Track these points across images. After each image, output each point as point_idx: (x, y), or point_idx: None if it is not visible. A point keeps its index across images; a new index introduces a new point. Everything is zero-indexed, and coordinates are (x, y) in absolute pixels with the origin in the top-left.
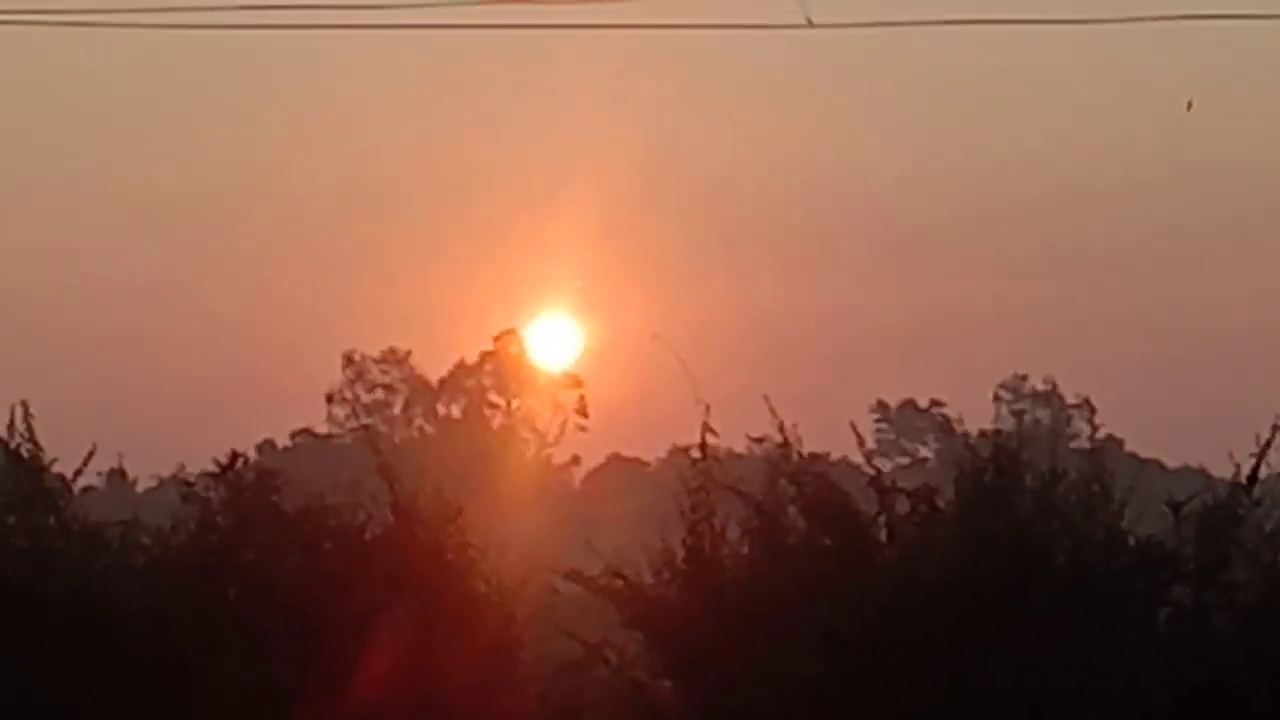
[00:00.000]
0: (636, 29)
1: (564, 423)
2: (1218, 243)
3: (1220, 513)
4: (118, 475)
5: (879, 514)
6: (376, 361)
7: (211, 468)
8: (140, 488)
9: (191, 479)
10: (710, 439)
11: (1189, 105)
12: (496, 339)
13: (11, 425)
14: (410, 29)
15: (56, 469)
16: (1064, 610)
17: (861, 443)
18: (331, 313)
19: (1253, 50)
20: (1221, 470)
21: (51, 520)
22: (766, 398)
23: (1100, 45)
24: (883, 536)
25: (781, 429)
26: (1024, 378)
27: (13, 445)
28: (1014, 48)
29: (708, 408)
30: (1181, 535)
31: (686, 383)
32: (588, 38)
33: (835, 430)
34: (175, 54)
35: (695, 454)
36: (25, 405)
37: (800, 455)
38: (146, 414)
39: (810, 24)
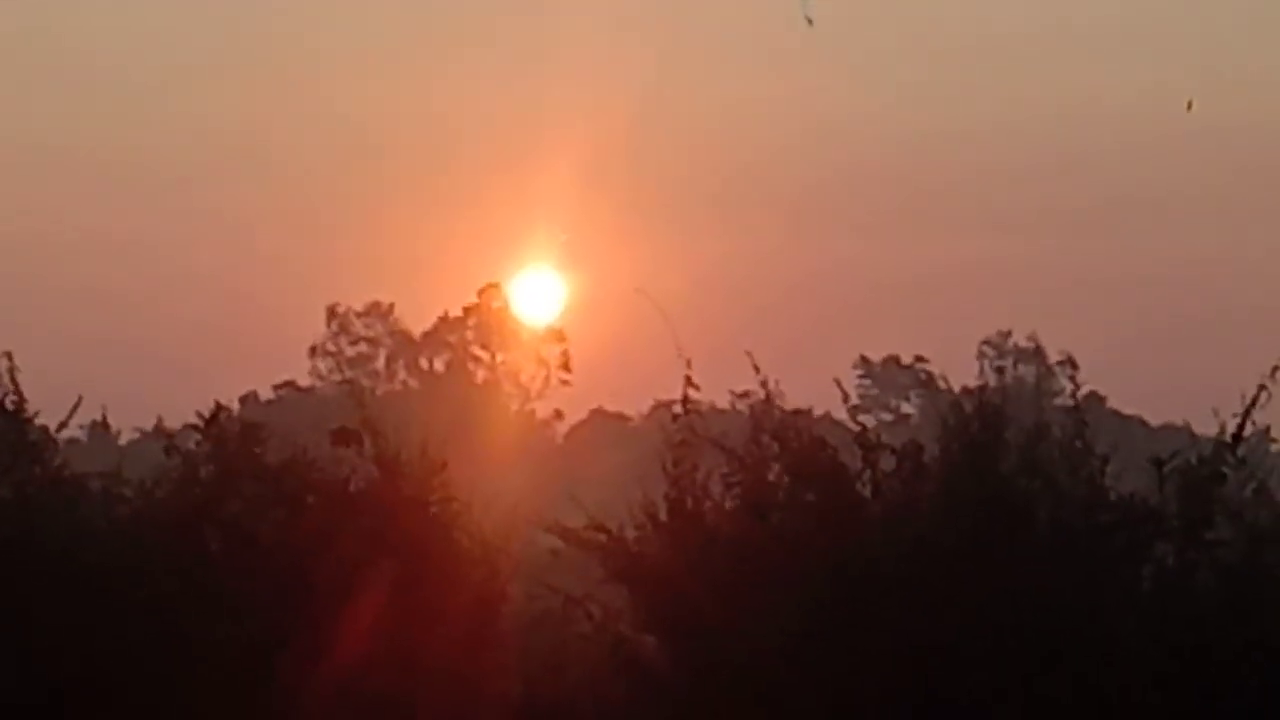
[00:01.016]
0: None
1: (547, 377)
2: (1207, 204)
3: (1204, 470)
4: (100, 428)
5: (863, 470)
6: (360, 315)
7: (194, 420)
8: (123, 440)
9: (174, 431)
10: (693, 394)
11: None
12: (480, 293)
13: (5, 376)
14: None
15: (40, 421)
16: (1046, 567)
17: (846, 398)
18: (314, 266)
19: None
20: (1205, 428)
21: (36, 471)
22: (749, 353)
23: (1097, 4)
24: (867, 492)
25: (764, 384)
26: (1007, 334)
27: None
28: (1008, 6)
29: (689, 361)
30: (1165, 493)
31: (670, 337)
32: None
33: (818, 386)
34: (157, 7)
35: (677, 409)
36: (10, 356)
37: (783, 410)
38: (129, 367)
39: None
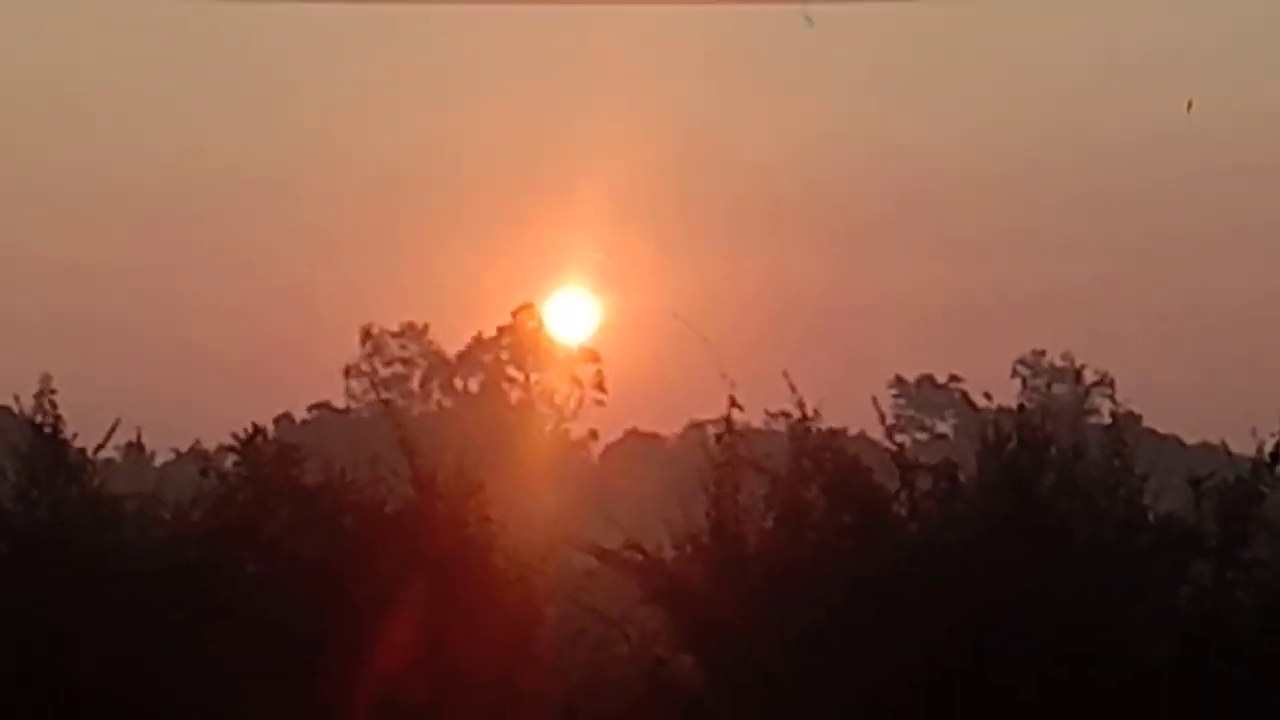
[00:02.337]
0: (658, 4)
1: (581, 397)
2: (1240, 220)
3: (1241, 489)
4: (135, 449)
5: (899, 490)
6: (394, 335)
7: (229, 441)
8: (158, 461)
9: (210, 453)
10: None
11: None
12: (514, 313)
13: (40, 398)
14: (432, 4)
15: (78, 443)
16: (1084, 586)
17: (882, 418)
18: (349, 287)
19: None
20: (1241, 447)
21: (74, 492)
22: (786, 373)
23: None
24: (903, 512)
25: (801, 404)
26: (1042, 353)
27: (37, 420)
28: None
29: (733, 383)
30: (1202, 512)
31: (705, 358)
32: (609, 14)
33: (853, 405)
34: (198, 39)
35: (718, 429)
36: (48, 379)
37: (820, 431)
38: (162, 388)
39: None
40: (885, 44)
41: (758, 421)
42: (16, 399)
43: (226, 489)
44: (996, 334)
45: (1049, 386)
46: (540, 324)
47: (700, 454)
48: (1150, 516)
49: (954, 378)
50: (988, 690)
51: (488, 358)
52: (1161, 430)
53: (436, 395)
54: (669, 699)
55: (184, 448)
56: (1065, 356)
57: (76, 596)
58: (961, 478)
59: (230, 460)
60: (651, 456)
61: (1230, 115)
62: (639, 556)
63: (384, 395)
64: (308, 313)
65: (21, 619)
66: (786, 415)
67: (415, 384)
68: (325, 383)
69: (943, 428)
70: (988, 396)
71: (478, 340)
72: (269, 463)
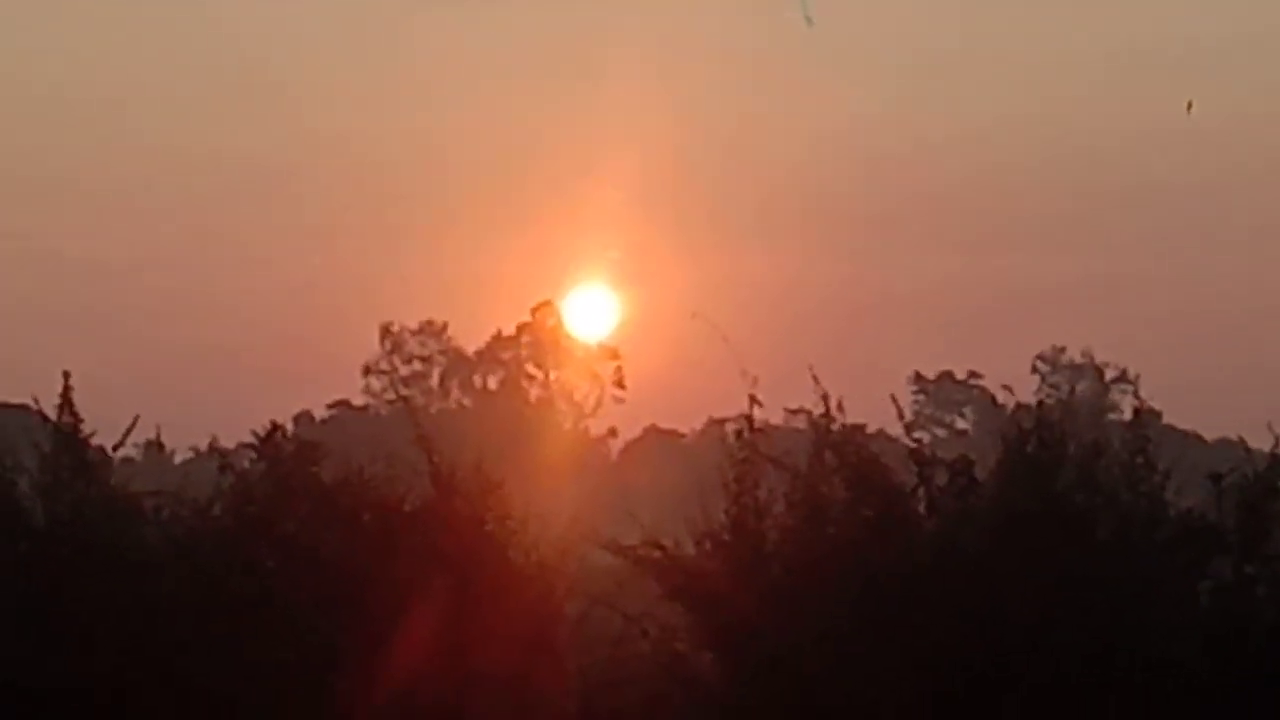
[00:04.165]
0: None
1: (600, 394)
2: (1261, 218)
3: (1261, 485)
4: (154, 447)
5: (919, 486)
6: (414, 333)
7: (248, 439)
8: (177, 459)
9: (229, 451)
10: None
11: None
12: (534, 310)
13: (64, 398)
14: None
15: (96, 441)
16: (1105, 583)
17: (901, 415)
18: (368, 285)
19: None
20: (1261, 443)
21: (93, 491)
22: (811, 369)
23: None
24: (922, 508)
25: (825, 400)
26: (1062, 350)
27: (56, 418)
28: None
29: (755, 379)
30: (1223, 508)
31: (725, 355)
32: (629, 9)
33: (870, 401)
34: (229, 27)
35: (738, 426)
36: (67, 376)
37: (843, 427)
38: (180, 385)
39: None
40: (906, 38)
41: (777, 418)
42: (36, 400)
43: (245, 486)
44: (1017, 330)
45: (1073, 389)
46: (559, 321)
47: (720, 451)
48: (1171, 512)
49: (973, 374)
50: (1007, 685)
51: (507, 355)
52: (1181, 426)
53: (455, 393)
54: (688, 696)
55: (203, 446)
56: (1085, 353)
57: (96, 594)
58: (980, 474)
59: (249, 458)
60: (671, 453)
61: (1257, 109)
62: (658, 553)
63: (403, 393)
64: (327, 310)
65: (42, 617)
66: (807, 412)
67: (434, 382)
68: (344, 381)
69: (962, 424)
70: (1009, 389)
71: (497, 338)
72: (288, 460)
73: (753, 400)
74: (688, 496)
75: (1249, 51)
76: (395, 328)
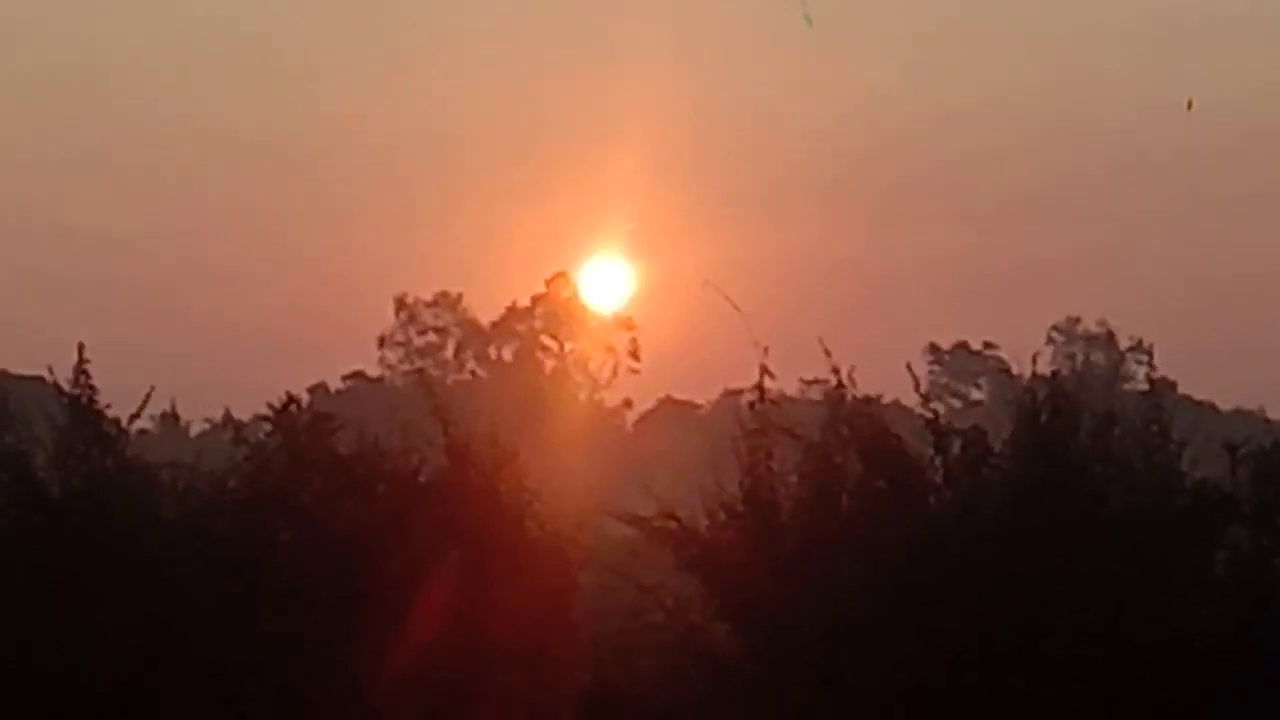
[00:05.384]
0: None
1: (616, 366)
2: (1276, 183)
3: (1277, 455)
4: (170, 419)
5: (934, 456)
6: (428, 305)
7: (263, 411)
8: (193, 431)
9: (244, 423)
10: (767, 383)
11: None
12: (548, 282)
13: (79, 370)
14: None
15: (112, 413)
16: (1120, 552)
17: (917, 385)
18: (383, 257)
19: None
20: (1277, 413)
21: (109, 463)
22: (821, 340)
23: None
24: (938, 479)
25: (836, 372)
26: (1077, 320)
27: (72, 391)
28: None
29: (766, 350)
30: (1238, 478)
31: (739, 326)
32: None
33: (886, 372)
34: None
35: (751, 397)
36: (81, 348)
37: (856, 398)
38: (196, 357)
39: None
40: (920, 10)
41: (792, 389)
42: (51, 370)
43: (261, 458)
44: (1031, 300)
45: (1087, 357)
46: (574, 292)
47: (735, 422)
48: (1186, 483)
49: (988, 344)
50: (1022, 653)
51: (522, 327)
52: (1197, 397)
53: (471, 364)
54: (703, 666)
55: (219, 418)
56: (1100, 323)
57: (111, 565)
58: (995, 444)
59: (265, 430)
60: (686, 424)
61: (1275, 78)
62: (673, 524)
63: (418, 364)
64: (342, 282)
65: (58, 587)
66: (821, 383)
67: (449, 353)
68: (360, 352)
69: (977, 395)
70: (1031, 360)
71: (512, 309)
72: (303, 432)
73: (764, 371)
74: (703, 467)
75: (1267, 23)
76: (410, 299)
